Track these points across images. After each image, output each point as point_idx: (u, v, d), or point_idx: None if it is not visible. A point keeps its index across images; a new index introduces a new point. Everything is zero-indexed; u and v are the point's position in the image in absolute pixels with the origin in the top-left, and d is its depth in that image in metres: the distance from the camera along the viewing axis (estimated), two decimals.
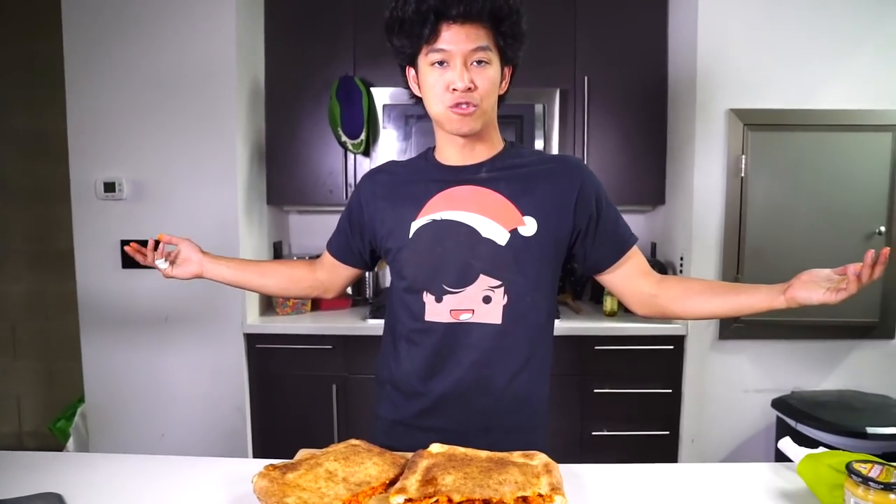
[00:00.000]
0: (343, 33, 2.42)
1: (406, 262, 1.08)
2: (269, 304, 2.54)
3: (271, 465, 0.90)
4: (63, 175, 2.25)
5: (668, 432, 2.28)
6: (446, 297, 1.05)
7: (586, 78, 2.41)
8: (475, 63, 0.99)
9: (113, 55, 2.19)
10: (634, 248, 1.13)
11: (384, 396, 1.16)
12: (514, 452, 0.95)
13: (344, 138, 2.30)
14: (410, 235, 1.08)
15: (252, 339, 2.29)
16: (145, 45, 2.19)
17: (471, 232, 1.05)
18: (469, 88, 0.98)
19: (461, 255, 1.04)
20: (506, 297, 1.05)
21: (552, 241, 1.07)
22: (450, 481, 0.85)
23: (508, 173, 1.08)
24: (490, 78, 1.00)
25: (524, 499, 0.83)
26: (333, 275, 1.27)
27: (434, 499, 0.82)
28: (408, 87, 1.10)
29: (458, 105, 0.99)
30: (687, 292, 1.08)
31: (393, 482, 0.90)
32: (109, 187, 2.19)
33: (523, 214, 1.05)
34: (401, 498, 0.83)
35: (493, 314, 1.05)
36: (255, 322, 2.32)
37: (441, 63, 0.99)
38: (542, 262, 1.07)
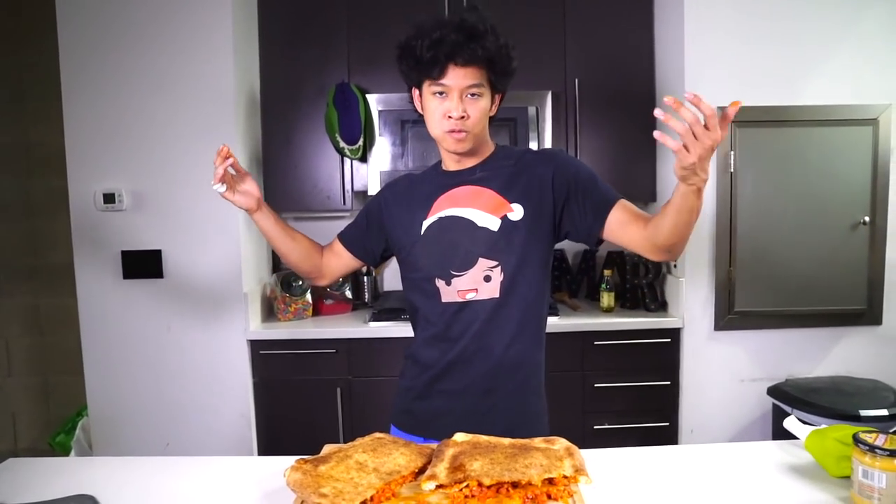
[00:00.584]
0: (337, 40, 2.44)
1: (420, 255, 1.25)
2: (270, 311, 2.55)
3: (302, 458, 0.92)
4: (55, 188, 2.23)
5: (667, 423, 2.34)
6: (454, 280, 1.21)
7: (577, 80, 2.47)
8: (469, 95, 1.16)
9: (109, 65, 2.20)
10: (622, 202, 1.19)
11: (406, 369, 1.33)
12: (535, 438, 0.99)
13: (342, 145, 2.32)
14: (422, 232, 1.25)
15: (255, 346, 2.31)
16: (141, 55, 2.20)
17: (469, 224, 1.22)
18: (462, 117, 1.15)
19: (462, 244, 1.21)
20: (502, 274, 1.20)
21: (538, 219, 1.21)
22: (478, 467, 0.89)
23: (498, 171, 1.25)
24: (481, 108, 1.18)
25: (550, 480, 0.87)
26: (335, 261, 1.41)
27: (464, 483, 0.85)
28: (411, 101, 1.27)
29: (452, 131, 1.16)
30: (656, 220, 1.13)
31: (422, 471, 0.93)
32: (109, 198, 2.19)
33: (511, 203, 1.21)
34: (432, 484, 0.86)
35: (492, 290, 1.21)
36: (258, 328, 2.34)
37: (441, 94, 1.16)
38: (530, 240, 1.21)
